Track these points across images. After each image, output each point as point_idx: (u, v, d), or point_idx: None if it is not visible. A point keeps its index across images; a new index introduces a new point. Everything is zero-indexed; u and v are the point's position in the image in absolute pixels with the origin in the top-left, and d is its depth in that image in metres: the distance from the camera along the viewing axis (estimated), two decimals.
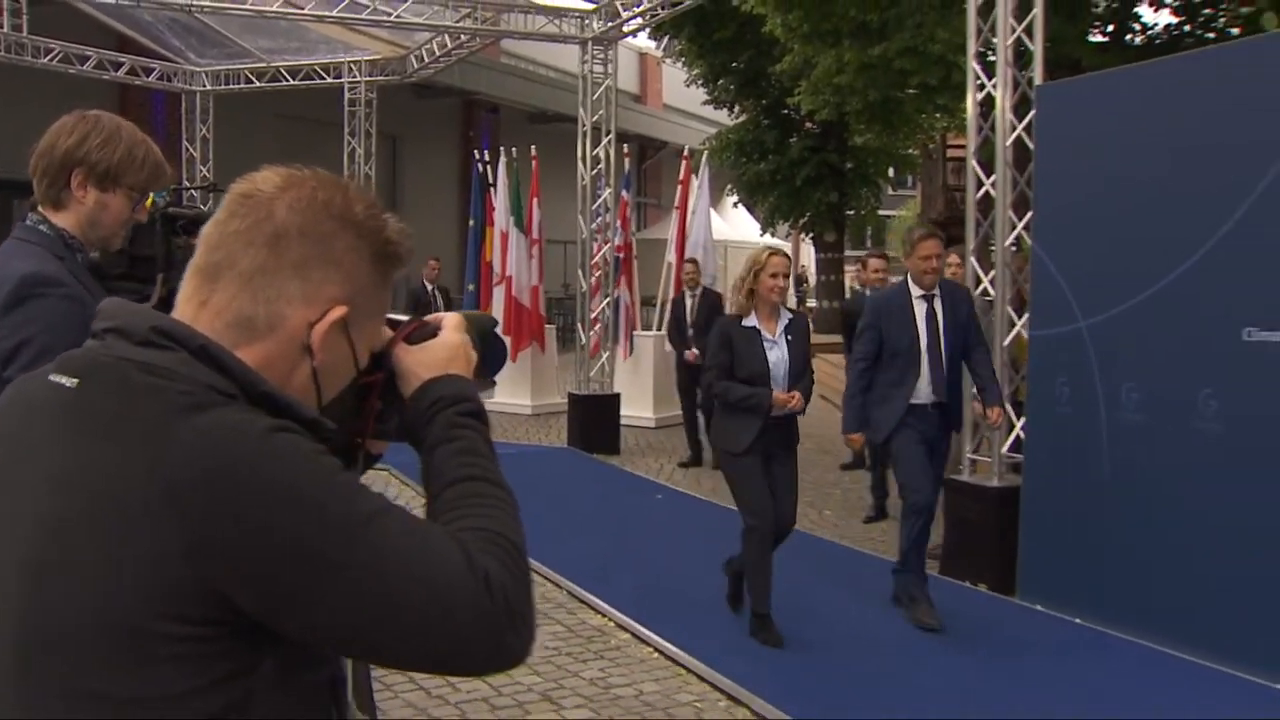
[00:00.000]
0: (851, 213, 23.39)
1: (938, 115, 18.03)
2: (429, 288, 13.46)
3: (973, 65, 6.96)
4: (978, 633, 5.89)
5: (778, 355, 5.55)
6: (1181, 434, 5.42)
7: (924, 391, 5.85)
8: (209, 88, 17.54)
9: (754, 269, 5.54)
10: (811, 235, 23.85)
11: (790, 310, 5.76)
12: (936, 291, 5.91)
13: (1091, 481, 5.92)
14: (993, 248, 6.93)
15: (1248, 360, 5.10)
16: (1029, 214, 6.55)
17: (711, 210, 14.03)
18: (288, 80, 16.97)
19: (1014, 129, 6.74)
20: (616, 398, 12.35)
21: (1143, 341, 5.67)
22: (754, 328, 5.55)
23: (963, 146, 7.12)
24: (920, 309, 5.88)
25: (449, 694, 4.91)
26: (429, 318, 1.49)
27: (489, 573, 1.19)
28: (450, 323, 1.48)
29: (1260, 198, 5.06)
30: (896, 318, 5.89)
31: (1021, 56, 6.89)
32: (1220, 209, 5.23)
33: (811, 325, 6.80)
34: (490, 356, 1.56)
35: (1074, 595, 5.99)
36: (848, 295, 18.48)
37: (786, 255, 5.72)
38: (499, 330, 1.66)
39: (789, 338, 5.60)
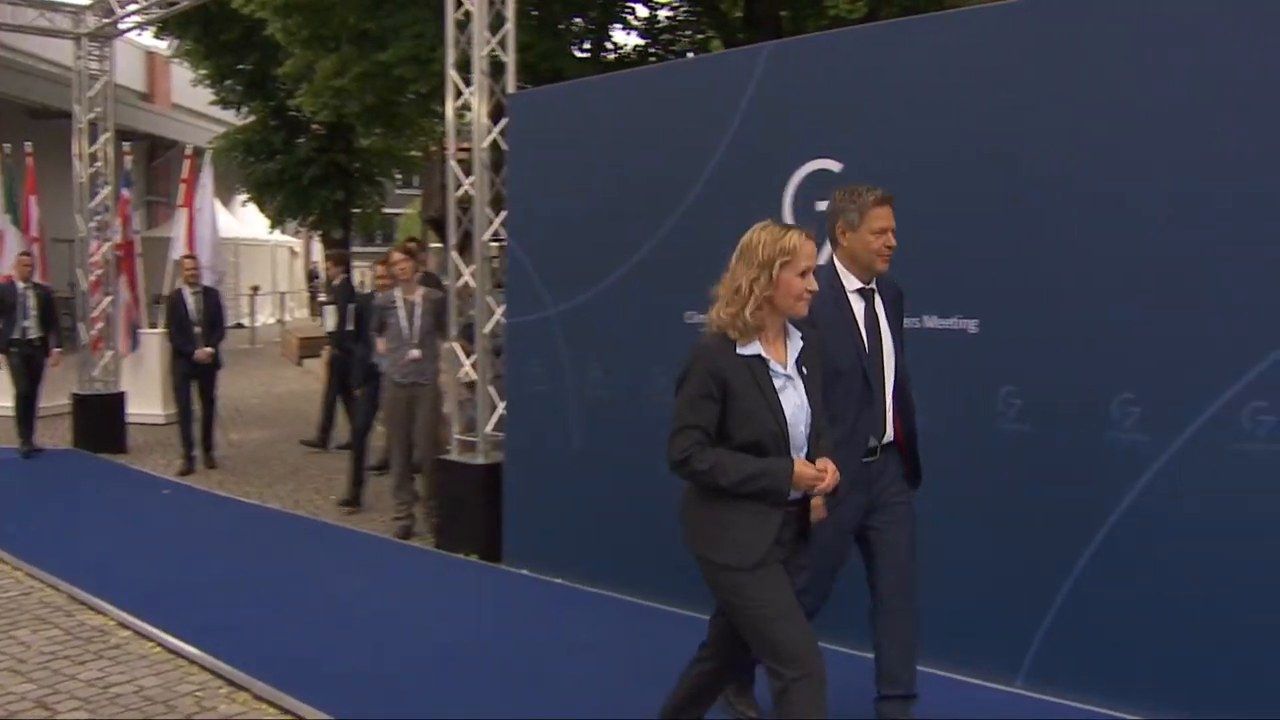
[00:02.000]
0: (358, 211, 23.83)
1: (436, 120, 18.68)
2: None
3: (451, 74, 7.42)
4: (470, 597, 6.39)
5: (795, 400, 3.48)
6: (637, 406, 6.14)
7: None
8: None
9: (774, 261, 3.39)
10: (320, 233, 23.99)
11: (797, 325, 3.60)
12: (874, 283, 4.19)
13: (565, 452, 6.56)
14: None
15: (689, 340, 5.85)
16: (504, 212, 7.12)
17: (220, 207, 13.81)
18: None
19: (489, 133, 7.27)
20: (121, 396, 12.06)
21: (604, 325, 6.34)
22: (759, 357, 3.43)
23: (461, 149, 7.55)
24: (859, 307, 4.14)
25: None
26: None
27: None
28: None
29: (696, 197, 5.84)
30: (835, 326, 4.00)
31: (500, 67, 7.43)
32: (667, 206, 5.96)
33: None
34: None
35: (555, 558, 6.61)
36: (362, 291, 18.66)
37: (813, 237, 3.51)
38: None
39: (803, 370, 3.53)
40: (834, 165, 5.25)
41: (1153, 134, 4.38)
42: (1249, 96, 4.16)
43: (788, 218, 5.39)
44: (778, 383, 3.45)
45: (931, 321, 4.93)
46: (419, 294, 7.90)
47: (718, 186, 5.75)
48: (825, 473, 3.43)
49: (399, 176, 28.30)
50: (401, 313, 7.86)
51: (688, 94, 6.03)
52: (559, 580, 6.53)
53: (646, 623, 5.81)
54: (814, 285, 3.46)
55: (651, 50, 14.18)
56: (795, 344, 3.54)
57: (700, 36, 14.41)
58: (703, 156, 5.81)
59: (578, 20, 14.22)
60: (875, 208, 4.08)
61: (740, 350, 3.43)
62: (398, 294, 7.94)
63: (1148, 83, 4.40)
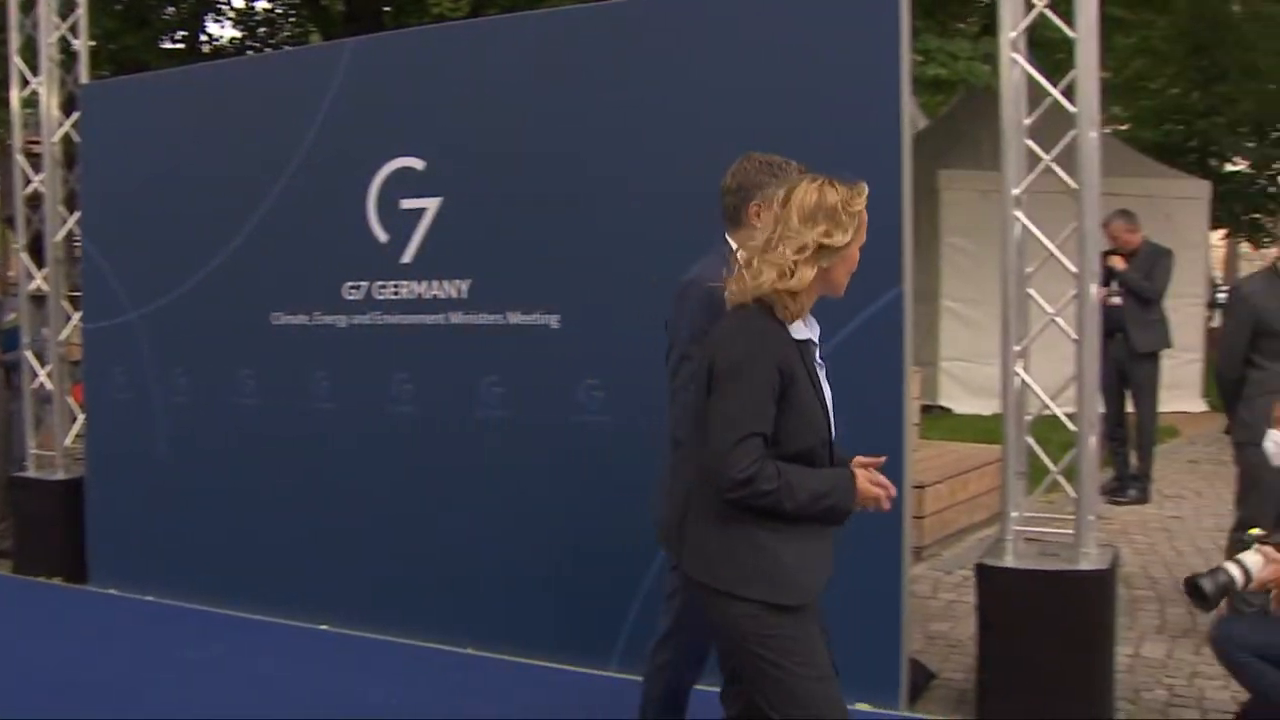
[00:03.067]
0: None
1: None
2: None
3: (16, 61, 6.88)
4: (54, 622, 5.95)
5: (829, 398, 2.91)
6: (224, 411, 5.94)
7: None
8: None
9: (834, 218, 2.70)
10: None
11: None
12: None
13: (152, 463, 6.23)
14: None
15: (276, 341, 5.75)
16: (78, 211, 6.67)
17: None
18: None
19: (61, 126, 6.79)
20: None
21: (189, 329, 6.06)
22: (811, 343, 2.84)
23: (30, 143, 6.96)
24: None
25: None
26: None
27: None
28: None
29: (280, 195, 5.70)
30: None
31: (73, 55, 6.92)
32: (250, 204, 5.78)
33: None
34: None
35: (145, 575, 6.26)
36: None
37: None
38: None
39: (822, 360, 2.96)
40: (418, 163, 5.28)
41: (702, 137, 4.62)
42: (783, 103, 4.48)
43: (372, 218, 5.37)
44: (821, 374, 2.86)
45: (515, 317, 5.05)
46: None
47: (302, 184, 5.64)
48: (885, 486, 2.82)
49: None
50: None
51: (271, 89, 5.88)
52: (150, 598, 6.19)
53: (245, 635, 5.63)
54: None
55: (250, 44, 13.69)
56: (814, 327, 2.87)
57: (300, 30, 14.06)
58: (286, 153, 5.68)
59: (170, 10, 13.52)
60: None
61: (794, 334, 2.76)
62: None
63: (700, 87, 4.68)
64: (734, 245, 3.34)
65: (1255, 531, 3.85)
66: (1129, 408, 8.34)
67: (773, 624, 2.72)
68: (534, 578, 5.05)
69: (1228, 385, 5.22)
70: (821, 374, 2.85)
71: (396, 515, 5.43)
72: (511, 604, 5.11)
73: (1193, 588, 3.67)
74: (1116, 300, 7.98)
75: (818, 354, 2.85)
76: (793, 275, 2.68)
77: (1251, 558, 3.65)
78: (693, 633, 3.49)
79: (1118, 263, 8.03)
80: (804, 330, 2.79)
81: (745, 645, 2.75)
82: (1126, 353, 8.07)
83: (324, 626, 5.59)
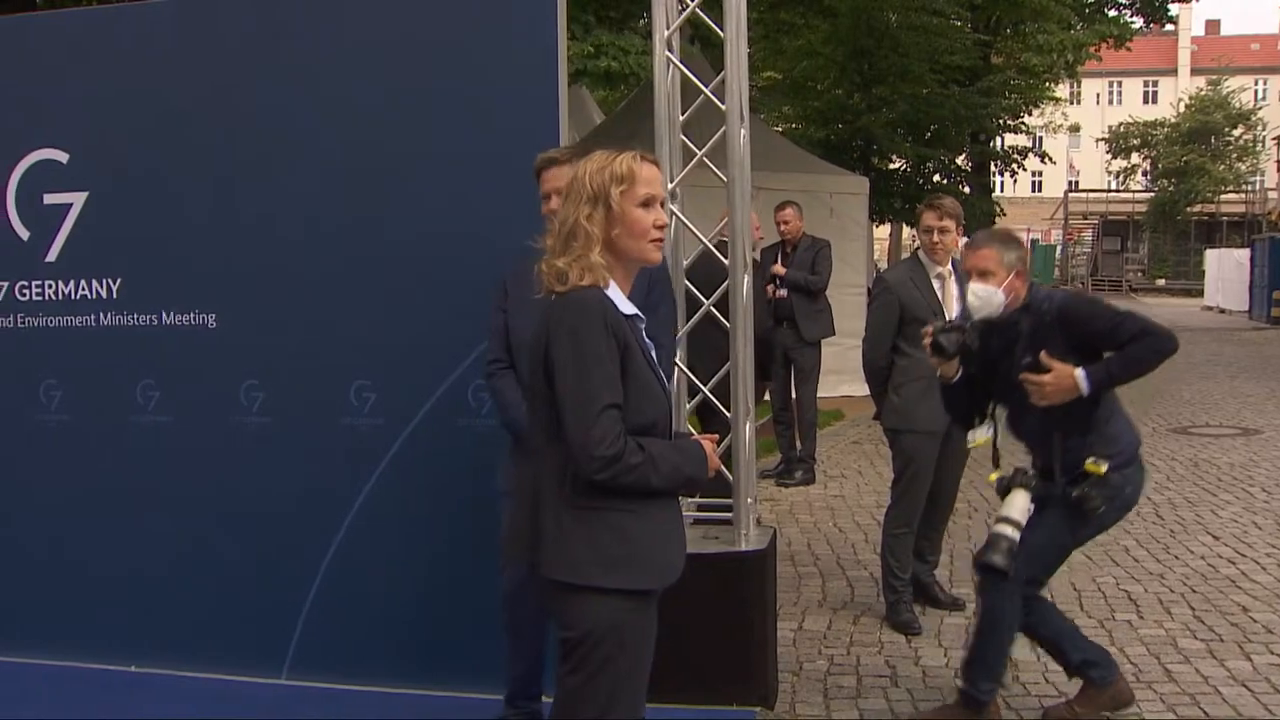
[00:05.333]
0: None
1: None
2: None
3: None
4: None
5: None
6: None
7: None
8: None
9: (606, 191, 2.74)
10: None
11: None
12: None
13: None
14: None
15: None
16: None
17: None
18: None
19: None
20: None
21: None
22: (638, 316, 2.82)
23: None
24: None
25: None
26: None
27: None
28: None
29: None
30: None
31: None
32: None
33: None
34: None
35: None
36: None
37: None
38: None
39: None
40: (61, 155, 4.92)
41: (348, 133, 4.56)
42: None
43: (12, 214, 4.97)
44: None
45: (170, 318, 4.81)
46: None
47: None
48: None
49: None
50: None
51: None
52: None
53: None
54: (663, 219, 2.79)
55: None
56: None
57: None
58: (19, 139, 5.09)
59: None
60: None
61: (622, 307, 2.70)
62: None
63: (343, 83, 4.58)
64: None
65: (994, 477, 4.15)
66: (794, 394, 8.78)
67: (631, 616, 2.68)
68: (200, 586, 4.82)
69: (876, 373, 5.50)
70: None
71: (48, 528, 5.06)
72: (177, 617, 4.86)
73: (986, 567, 3.96)
74: (783, 293, 8.42)
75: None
76: (568, 255, 2.69)
77: (1018, 502, 3.95)
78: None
79: (779, 270, 8.48)
80: (629, 305, 2.75)
81: (598, 641, 2.65)
82: (794, 340, 8.50)
83: None
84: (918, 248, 5.59)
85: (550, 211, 3.65)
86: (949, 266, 5.37)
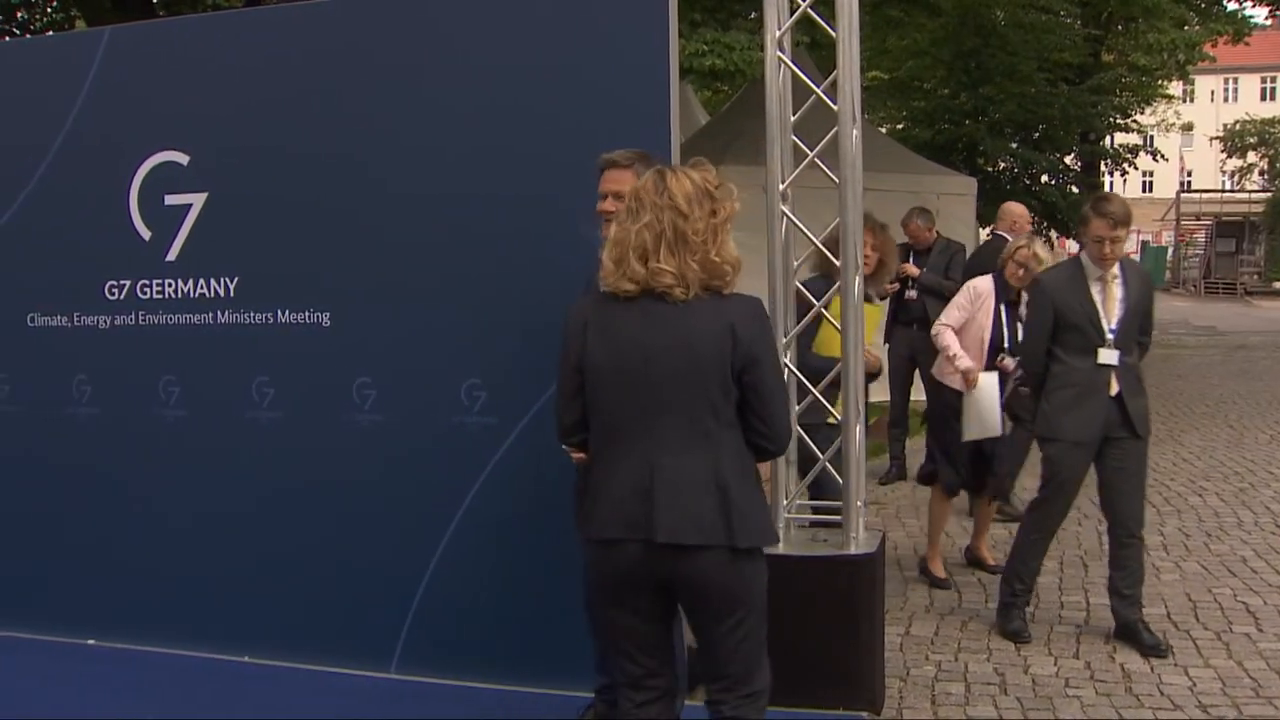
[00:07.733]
0: None
1: None
2: None
3: None
4: None
5: None
6: None
7: None
8: None
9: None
10: None
11: None
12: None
13: None
14: None
15: (33, 343, 5.42)
16: None
17: None
18: None
19: None
20: None
21: None
22: None
23: None
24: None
25: None
26: None
27: None
28: None
29: (32, 192, 5.37)
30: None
31: None
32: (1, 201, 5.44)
33: None
34: None
35: None
36: None
37: None
38: None
39: None
40: (181, 158, 5.07)
41: (458, 138, 4.62)
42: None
43: (134, 213, 5.13)
44: None
45: (285, 316, 4.92)
46: None
47: (56, 180, 5.32)
48: None
49: None
50: None
51: (20, 78, 5.51)
52: None
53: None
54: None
55: (3, 27, 12.88)
56: None
57: (62, 16, 13.31)
58: (39, 148, 5.33)
59: None
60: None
61: None
62: None
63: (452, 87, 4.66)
64: None
65: None
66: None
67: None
68: (317, 578, 4.93)
69: (1033, 378, 5.29)
70: None
71: (167, 523, 5.21)
72: (291, 610, 4.98)
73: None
74: (912, 294, 8.33)
75: None
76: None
77: None
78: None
79: (912, 270, 8.33)
80: None
81: (755, 602, 3.04)
82: (925, 343, 8.39)
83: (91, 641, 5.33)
84: (1081, 249, 5.32)
85: (604, 211, 3.77)
86: (1115, 269, 5.08)
